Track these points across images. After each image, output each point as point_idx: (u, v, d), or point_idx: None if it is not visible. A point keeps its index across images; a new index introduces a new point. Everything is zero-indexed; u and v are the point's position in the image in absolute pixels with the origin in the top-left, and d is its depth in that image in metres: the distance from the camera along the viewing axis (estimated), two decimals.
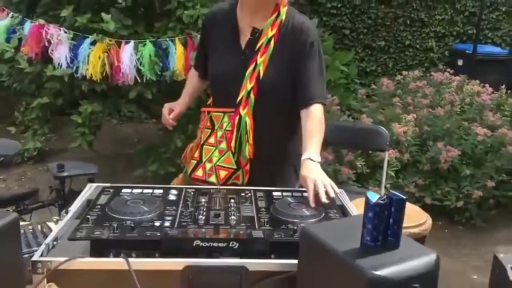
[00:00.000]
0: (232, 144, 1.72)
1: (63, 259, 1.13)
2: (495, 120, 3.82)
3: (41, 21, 2.97)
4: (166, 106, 2.00)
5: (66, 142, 4.37)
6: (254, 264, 1.18)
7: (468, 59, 5.79)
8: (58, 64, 2.96)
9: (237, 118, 1.71)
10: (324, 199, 1.44)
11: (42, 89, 3.18)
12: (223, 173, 1.74)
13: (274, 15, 1.72)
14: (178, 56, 3.05)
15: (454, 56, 6.05)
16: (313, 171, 1.52)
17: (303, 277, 1.08)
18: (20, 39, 2.99)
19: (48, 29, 2.95)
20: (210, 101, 1.91)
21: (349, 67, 5.19)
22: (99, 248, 1.22)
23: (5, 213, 1.05)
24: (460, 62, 5.91)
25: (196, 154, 1.83)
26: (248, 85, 1.70)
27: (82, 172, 2.03)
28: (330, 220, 1.35)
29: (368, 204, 0.92)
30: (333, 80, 4.58)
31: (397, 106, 3.98)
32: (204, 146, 1.81)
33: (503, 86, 4.64)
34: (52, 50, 2.94)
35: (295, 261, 1.14)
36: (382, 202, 0.92)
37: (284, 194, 1.56)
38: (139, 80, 3.03)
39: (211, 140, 1.79)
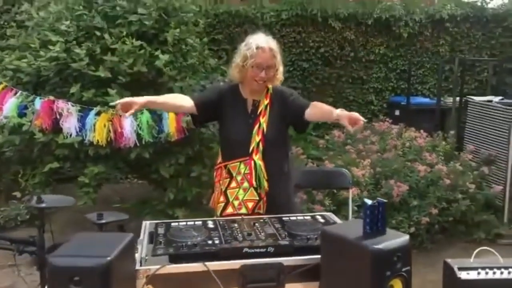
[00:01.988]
0: (253, 181, 2.36)
1: (158, 266, 1.62)
2: (432, 159, 4.58)
3: (51, 97, 3.44)
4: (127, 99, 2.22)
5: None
6: (286, 261, 1.72)
7: (403, 110, 6.63)
8: (68, 133, 3.42)
9: (252, 162, 2.37)
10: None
11: (48, 156, 3.59)
12: (250, 204, 2.37)
13: (265, 90, 2.48)
14: (171, 120, 3.57)
15: (392, 108, 6.90)
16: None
17: (325, 263, 1.62)
18: (33, 113, 3.43)
19: (58, 103, 3.43)
20: (219, 160, 2.53)
21: None
22: (174, 260, 1.71)
23: (125, 234, 1.53)
24: (397, 112, 6.74)
25: (222, 199, 2.44)
26: (257, 137, 2.39)
27: (116, 218, 2.49)
28: None
29: (365, 206, 1.50)
30: (294, 134, 5.25)
31: (351, 153, 4.67)
32: (228, 191, 2.43)
33: (439, 132, 5.47)
34: (63, 122, 3.40)
35: (312, 257, 1.69)
36: (374, 204, 1.50)
37: (291, 218, 2.14)
38: (137, 143, 3.52)
39: (233, 184, 2.42)
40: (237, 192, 2.39)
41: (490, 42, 7.22)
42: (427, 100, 6.92)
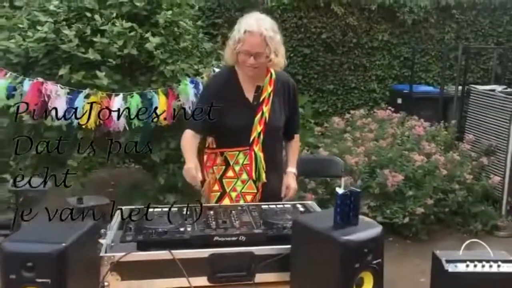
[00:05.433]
0: (253, 174, 2.28)
1: (122, 254, 1.57)
2: (430, 149, 4.49)
3: (40, 79, 3.39)
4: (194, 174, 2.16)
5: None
6: (258, 250, 1.66)
7: (406, 98, 6.52)
8: (56, 116, 3.37)
9: (253, 154, 2.28)
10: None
11: (39, 138, 3.55)
12: (249, 197, 2.30)
13: (269, 75, 2.32)
14: (161, 105, 3.53)
15: (394, 96, 6.76)
16: (293, 183, 2.35)
17: (295, 254, 1.57)
18: (21, 95, 3.39)
19: (47, 85, 3.38)
20: (209, 144, 2.39)
21: (304, 109, 5.84)
22: (142, 247, 1.67)
23: (86, 221, 1.48)
24: (399, 101, 6.62)
25: (216, 187, 2.33)
26: (258, 127, 2.28)
27: (97, 203, 2.45)
28: None
29: (337, 195, 1.44)
30: None
31: (348, 140, 4.60)
32: (224, 180, 2.32)
33: (442, 122, 5.37)
34: (51, 104, 3.36)
35: (285, 247, 1.63)
36: (345, 193, 1.44)
37: (270, 206, 2.08)
38: (127, 127, 3.47)
39: (229, 174, 2.32)
40: (235, 183, 2.31)
41: (497, 30, 7.06)
42: (430, 88, 6.79)
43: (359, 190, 1.47)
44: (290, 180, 2.39)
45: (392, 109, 5.68)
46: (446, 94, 6.31)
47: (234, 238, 1.70)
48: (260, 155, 2.28)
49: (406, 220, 4.00)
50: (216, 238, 1.69)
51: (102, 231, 1.83)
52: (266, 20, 2.22)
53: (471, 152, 4.69)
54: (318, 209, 2.06)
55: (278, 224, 1.83)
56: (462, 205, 4.24)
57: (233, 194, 2.31)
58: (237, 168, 2.31)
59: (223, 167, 2.32)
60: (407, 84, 6.69)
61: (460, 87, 5.76)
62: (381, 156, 4.30)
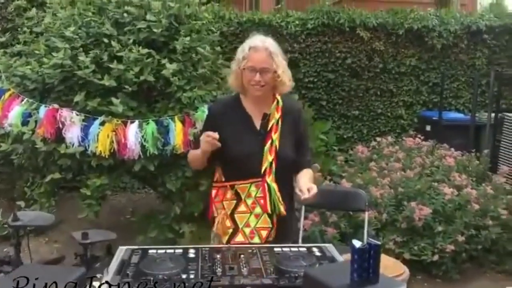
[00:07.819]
0: (268, 207, 2.11)
1: None
2: (461, 181, 4.23)
3: (55, 106, 3.33)
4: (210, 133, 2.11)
5: (63, 214, 4.62)
6: None
7: (435, 125, 6.29)
8: (70, 143, 3.30)
9: (266, 185, 2.11)
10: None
11: (53, 165, 3.48)
12: (264, 233, 2.12)
13: (275, 101, 2.22)
14: (178, 132, 3.42)
15: (422, 123, 6.53)
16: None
17: None
18: (36, 122, 3.33)
19: (62, 112, 3.32)
20: (217, 178, 2.26)
21: (327, 135, 5.66)
22: None
23: (74, 269, 1.35)
24: (428, 128, 6.38)
25: (229, 224, 2.16)
26: (269, 157, 2.13)
27: (103, 238, 2.32)
28: None
29: (353, 249, 1.26)
30: (314, 148, 5.01)
31: (373, 170, 4.38)
32: (236, 215, 2.16)
33: (473, 151, 5.11)
34: (65, 131, 3.29)
35: None
36: (363, 247, 1.26)
37: (284, 249, 1.91)
38: (141, 155, 3.37)
39: (241, 208, 2.16)
40: (248, 218, 2.14)
41: None
42: (461, 115, 6.52)
43: (379, 243, 1.29)
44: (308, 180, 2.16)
45: (422, 137, 5.44)
46: (477, 122, 6.04)
47: None
48: (274, 186, 2.12)
49: (436, 257, 3.73)
50: None
51: (98, 275, 1.69)
52: (271, 40, 2.21)
53: (506, 185, 4.41)
54: (336, 253, 1.88)
55: (290, 273, 1.66)
56: (497, 242, 3.95)
57: (247, 230, 2.15)
58: (249, 201, 2.16)
59: (234, 201, 2.18)
60: (436, 111, 6.45)
61: (492, 115, 5.49)
62: (408, 188, 4.06)
